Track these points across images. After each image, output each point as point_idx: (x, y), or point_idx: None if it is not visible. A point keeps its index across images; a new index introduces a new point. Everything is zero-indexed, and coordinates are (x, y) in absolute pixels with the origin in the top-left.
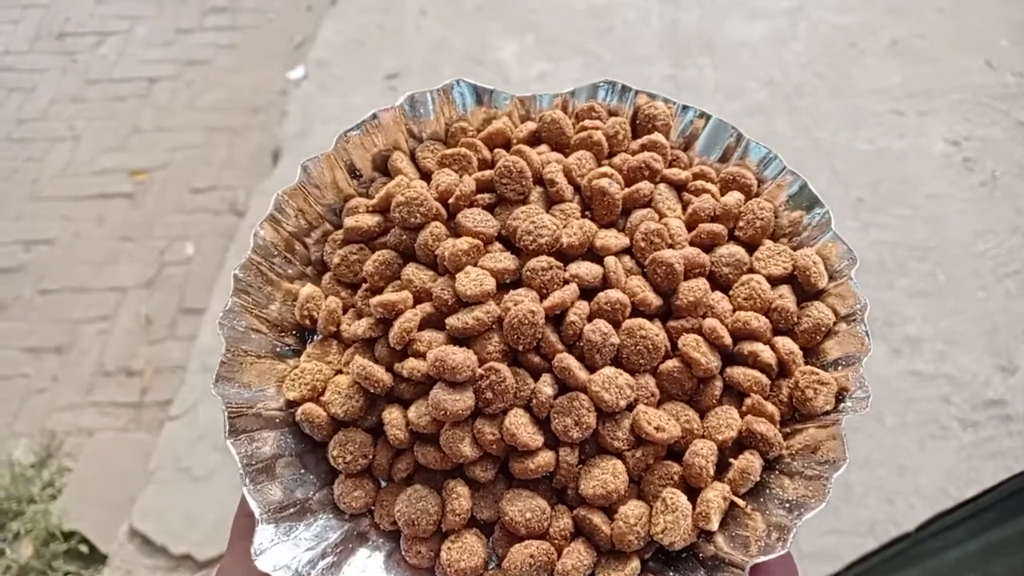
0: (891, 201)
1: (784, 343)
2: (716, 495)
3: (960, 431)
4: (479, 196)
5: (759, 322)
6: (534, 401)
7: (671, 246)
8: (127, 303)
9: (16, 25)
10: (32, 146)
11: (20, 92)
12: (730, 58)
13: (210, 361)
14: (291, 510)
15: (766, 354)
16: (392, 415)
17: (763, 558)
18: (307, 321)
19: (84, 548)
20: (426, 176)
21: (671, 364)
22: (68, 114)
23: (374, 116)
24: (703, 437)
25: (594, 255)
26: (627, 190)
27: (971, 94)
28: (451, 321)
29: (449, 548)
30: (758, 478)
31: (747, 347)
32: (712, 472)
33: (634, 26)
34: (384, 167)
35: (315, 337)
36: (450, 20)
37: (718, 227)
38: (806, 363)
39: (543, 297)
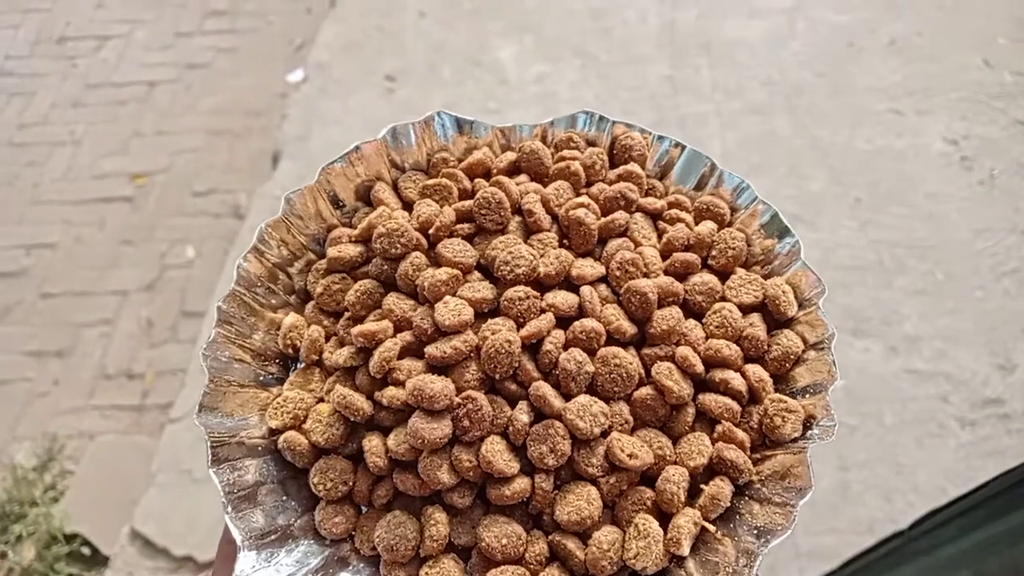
0: (890, 200)
1: (754, 371)
2: (687, 521)
3: (958, 430)
4: (459, 226)
5: (730, 350)
6: (510, 429)
7: (646, 275)
8: (128, 306)
9: (16, 30)
10: (33, 151)
11: (21, 97)
12: (728, 58)
13: None
14: (273, 536)
15: (737, 381)
16: (372, 443)
17: None
18: (290, 350)
19: (86, 550)
20: (408, 206)
21: (645, 392)
22: (69, 118)
23: (357, 147)
24: (675, 463)
25: (570, 284)
26: (603, 220)
27: (969, 92)
28: (430, 350)
29: (427, 573)
30: (728, 504)
31: (719, 375)
32: (683, 498)
33: (632, 27)
34: (367, 197)
35: (298, 365)
36: (449, 21)
37: (692, 256)
38: (775, 390)
39: (520, 326)
